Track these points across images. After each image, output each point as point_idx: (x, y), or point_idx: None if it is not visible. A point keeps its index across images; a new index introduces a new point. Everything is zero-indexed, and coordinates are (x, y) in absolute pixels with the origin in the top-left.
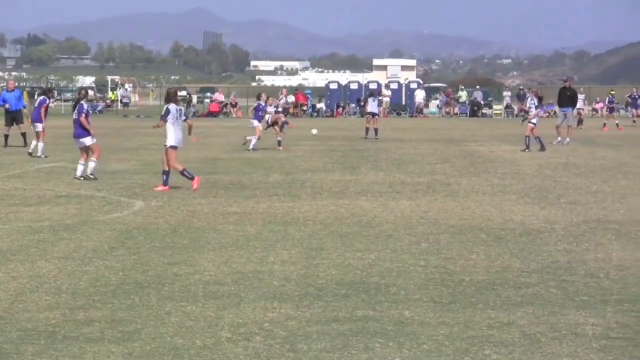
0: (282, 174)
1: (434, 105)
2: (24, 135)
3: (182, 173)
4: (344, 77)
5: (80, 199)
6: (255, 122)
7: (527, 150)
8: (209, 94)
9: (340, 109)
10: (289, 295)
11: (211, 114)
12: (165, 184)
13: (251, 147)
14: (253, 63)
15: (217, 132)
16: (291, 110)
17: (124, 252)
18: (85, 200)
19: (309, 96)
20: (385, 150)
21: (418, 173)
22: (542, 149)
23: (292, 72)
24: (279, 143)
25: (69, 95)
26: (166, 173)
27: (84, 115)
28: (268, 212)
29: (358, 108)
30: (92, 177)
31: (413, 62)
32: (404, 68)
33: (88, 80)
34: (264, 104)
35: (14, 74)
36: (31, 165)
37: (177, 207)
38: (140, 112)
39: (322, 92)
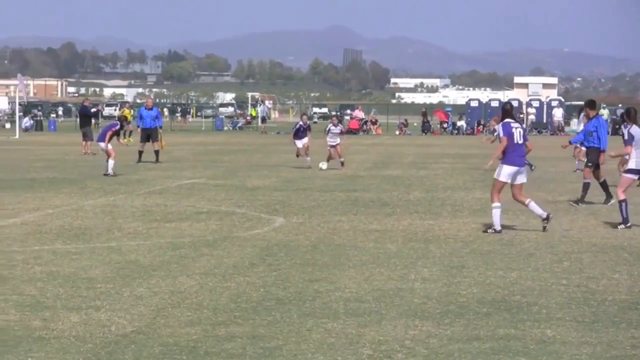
0: (422, 192)
1: (575, 123)
2: (156, 152)
3: None
4: (484, 95)
5: (220, 215)
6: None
7: None
8: (348, 111)
9: (481, 126)
10: (429, 313)
11: (350, 131)
12: None
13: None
14: (392, 80)
15: (356, 149)
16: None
17: (265, 268)
18: (226, 216)
19: (449, 113)
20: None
21: (559, 191)
22: None
23: (432, 89)
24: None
25: (209, 112)
26: None
27: None
28: (408, 229)
29: None
30: None
31: (554, 80)
32: (545, 86)
33: (228, 97)
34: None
35: (154, 90)
36: (172, 182)
37: (317, 223)
38: (280, 129)
39: (462, 110)
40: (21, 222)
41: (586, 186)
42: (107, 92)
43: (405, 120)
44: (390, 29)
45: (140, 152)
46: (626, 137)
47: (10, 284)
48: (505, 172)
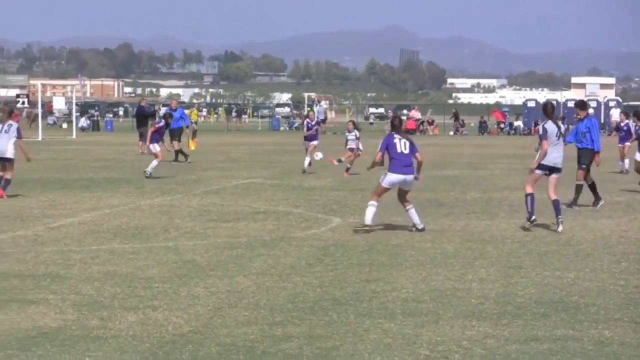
0: (479, 192)
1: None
2: (177, 152)
3: None
4: (541, 95)
5: (277, 215)
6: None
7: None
8: (405, 111)
9: (538, 126)
10: (487, 313)
11: (407, 131)
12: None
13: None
14: (449, 80)
15: None
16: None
17: (322, 268)
18: (283, 216)
19: (506, 114)
20: None
21: (617, 191)
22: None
23: (489, 90)
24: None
25: (265, 112)
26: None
27: None
28: (465, 229)
29: None
30: None
31: (612, 80)
32: (603, 86)
33: (284, 97)
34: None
35: (210, 90)
36: (228, 181)
37: (374, 223)
38: (336, 129)
39: (519, 110)
40: (79, 222)
41: (579, 188)
42: (164, 92)
43: (462, 120)
44: (447, 29)
45: (184, 153)
46: (541, 131)
47: (68, 283)
48: (388, 180)
